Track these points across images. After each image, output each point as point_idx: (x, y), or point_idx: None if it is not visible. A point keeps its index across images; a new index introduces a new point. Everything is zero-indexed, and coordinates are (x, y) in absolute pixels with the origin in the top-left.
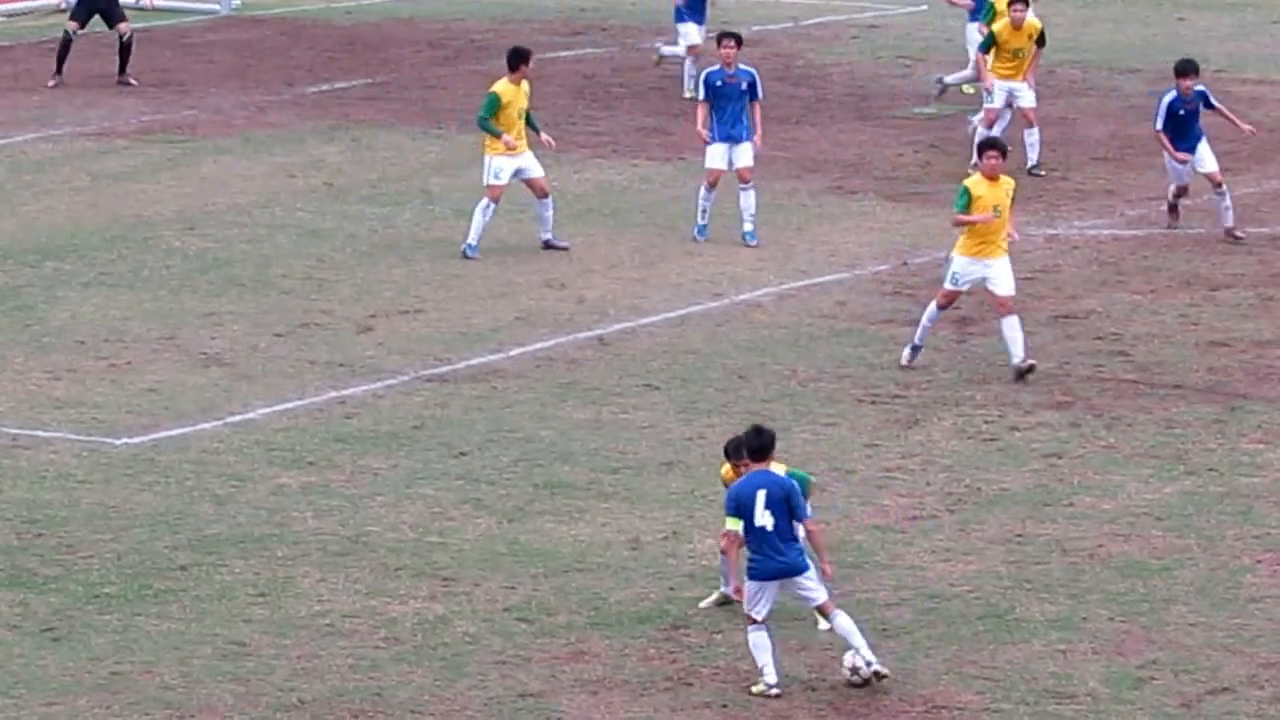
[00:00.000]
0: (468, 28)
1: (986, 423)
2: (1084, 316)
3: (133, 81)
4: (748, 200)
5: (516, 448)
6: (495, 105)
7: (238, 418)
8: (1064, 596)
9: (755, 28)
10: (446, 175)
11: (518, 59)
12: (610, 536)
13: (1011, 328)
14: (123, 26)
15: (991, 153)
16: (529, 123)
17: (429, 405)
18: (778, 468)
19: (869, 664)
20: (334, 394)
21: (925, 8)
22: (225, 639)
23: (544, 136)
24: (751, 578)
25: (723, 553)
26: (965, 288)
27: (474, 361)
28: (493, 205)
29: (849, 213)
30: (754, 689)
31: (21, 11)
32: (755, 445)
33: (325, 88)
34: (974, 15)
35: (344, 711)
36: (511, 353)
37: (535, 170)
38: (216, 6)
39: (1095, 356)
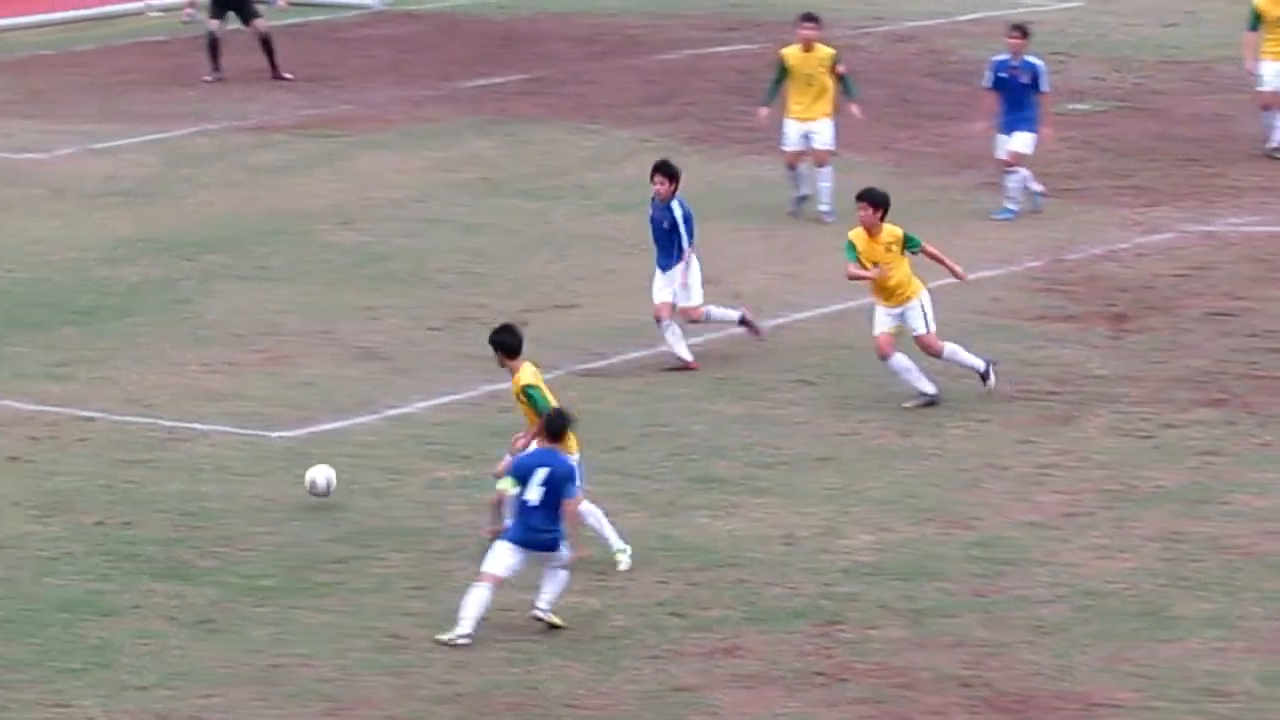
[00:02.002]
0: (622, 23)
1: (1142, 420)
2: (1239, 314)
3: (288, 76)
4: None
5: (670, 442)
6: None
7: (394, 411)
8: (1220, 594)
9: (908, 23)
10: (601, 170)
11: None
12: (764, 531)
13: (951, 357)
14: (258, 23)
15: (859, 205)
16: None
17: (584, 400)
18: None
19: (544, 610)
20: (489, 388)
21: (1080, 3)
22: (382, 632)
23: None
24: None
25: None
26: (893, 330)
27: (628, 356)
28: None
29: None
30: (441, 636)
31: (176, 6)
32: (554, 428)
33: (481, 82)
34: None
35: (500, 705)
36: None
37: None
38: (372, 1)
39: (1250, 354)
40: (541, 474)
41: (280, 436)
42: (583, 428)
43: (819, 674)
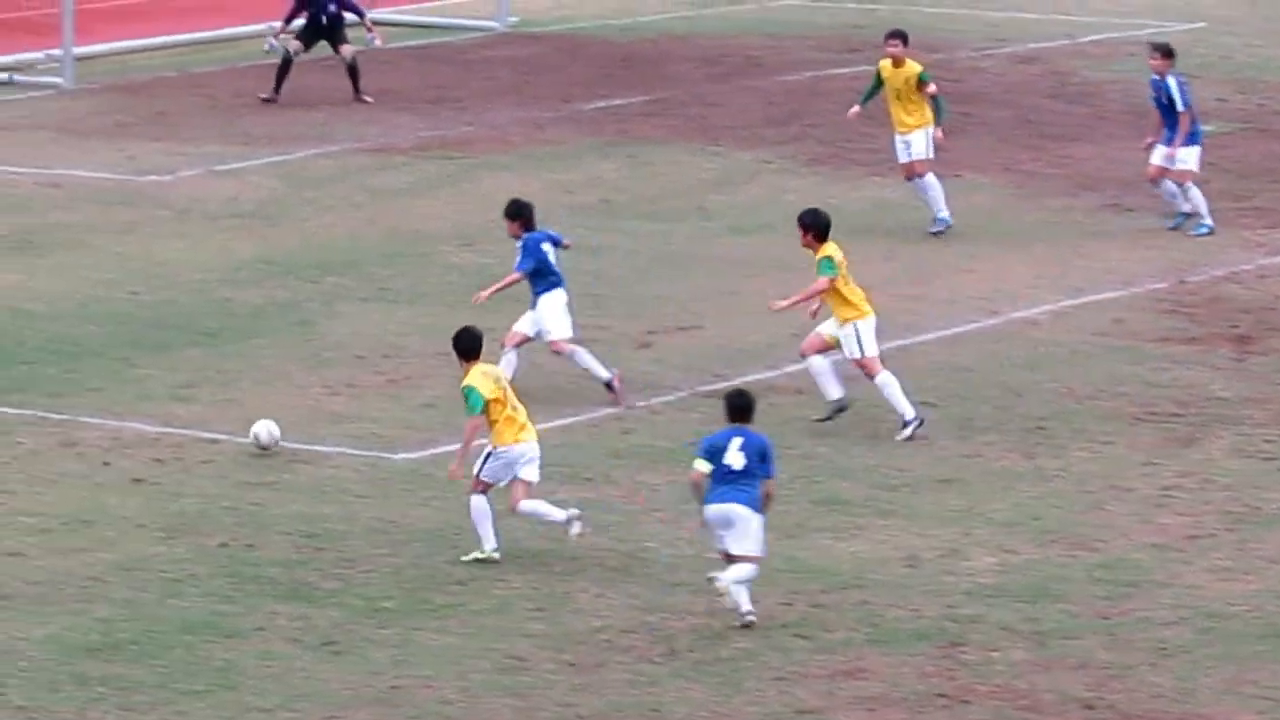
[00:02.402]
0: (744, 44)
1: (1265, 442)
2: None
3: (368, 99)
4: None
5: (794, 464)
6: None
7: None
8: None
9: (1031, 45)
10: (724, 192)
11: None
12: (887, 553)
13: (881, 387)
14: (345, 49)
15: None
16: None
17: (706, 421)
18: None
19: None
20: (611, 410)
21: (1203, 24)
22: (504, 653)
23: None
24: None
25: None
26: (828, 337)
27: (750, 378)
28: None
29: (1126, 230)
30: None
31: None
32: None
33: (602, 104)
34: None
35: None
36: (788, 369)
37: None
38: (494, 23)
39: None
40: (738, 441)
41: (402, 458)
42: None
43: (941, 696)
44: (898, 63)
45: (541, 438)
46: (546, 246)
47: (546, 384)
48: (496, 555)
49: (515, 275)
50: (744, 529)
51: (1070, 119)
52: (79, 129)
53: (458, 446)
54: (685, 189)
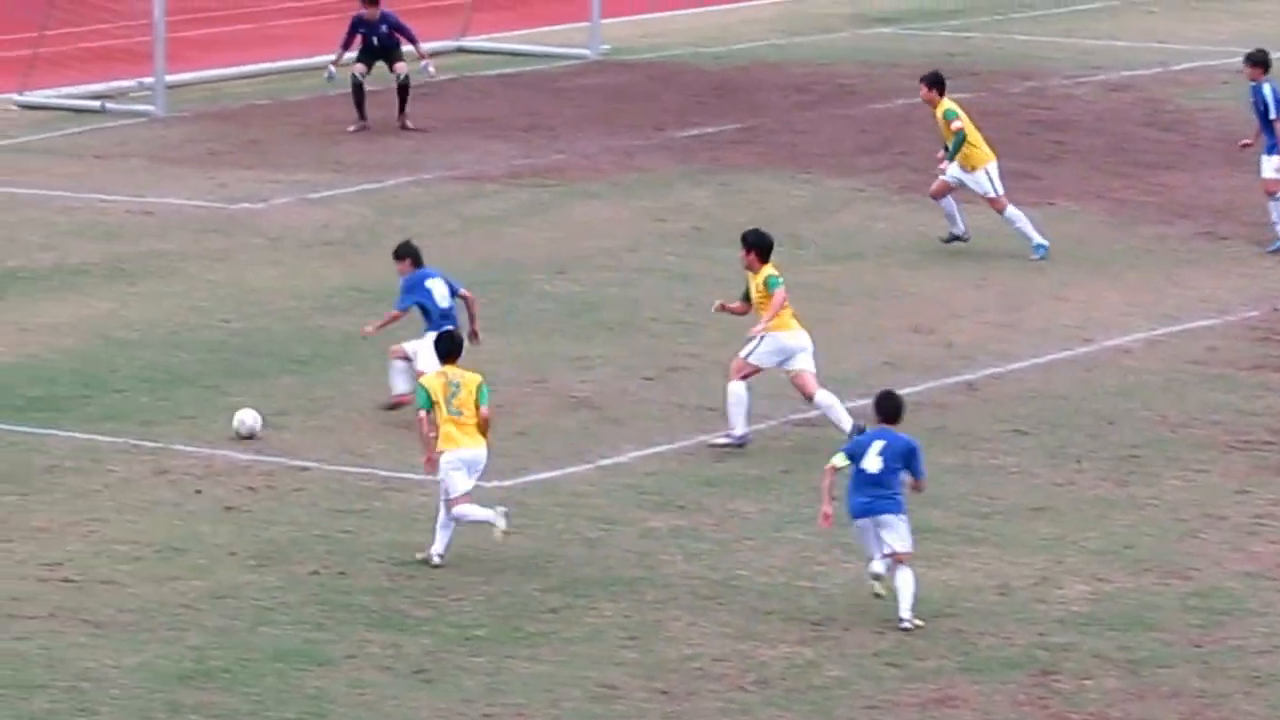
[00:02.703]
0: (835, 72)
1: None
2: None
3: (410, 125)
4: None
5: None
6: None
7: (607, 461)
8: None
9: (1124, 72)
10: (815, 219)
11: None
12: (979, 581)
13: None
14: (399, 67)
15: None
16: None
17: (798, 449)
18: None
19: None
20: (703, 437)
21: None
22: (596, 682)
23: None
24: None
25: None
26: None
27: (844, 405)
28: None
29: (1219, 258)
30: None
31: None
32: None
33: (694, 132)
34: None
35: None
36: None
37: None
38: (586, 51)
39: None
40: (879, 445)
41: (495, 486)
42: (798, 476)
43: None
44: (931, 105)
45: (633, 465)
46: (432, 284)
47: (638, 413)
48: (437, 561)
49: (393, 313)
50: (892, 530)
51: (1163, 147)
52: (171, 157)
53: (550, 474)
54: (776, 217)
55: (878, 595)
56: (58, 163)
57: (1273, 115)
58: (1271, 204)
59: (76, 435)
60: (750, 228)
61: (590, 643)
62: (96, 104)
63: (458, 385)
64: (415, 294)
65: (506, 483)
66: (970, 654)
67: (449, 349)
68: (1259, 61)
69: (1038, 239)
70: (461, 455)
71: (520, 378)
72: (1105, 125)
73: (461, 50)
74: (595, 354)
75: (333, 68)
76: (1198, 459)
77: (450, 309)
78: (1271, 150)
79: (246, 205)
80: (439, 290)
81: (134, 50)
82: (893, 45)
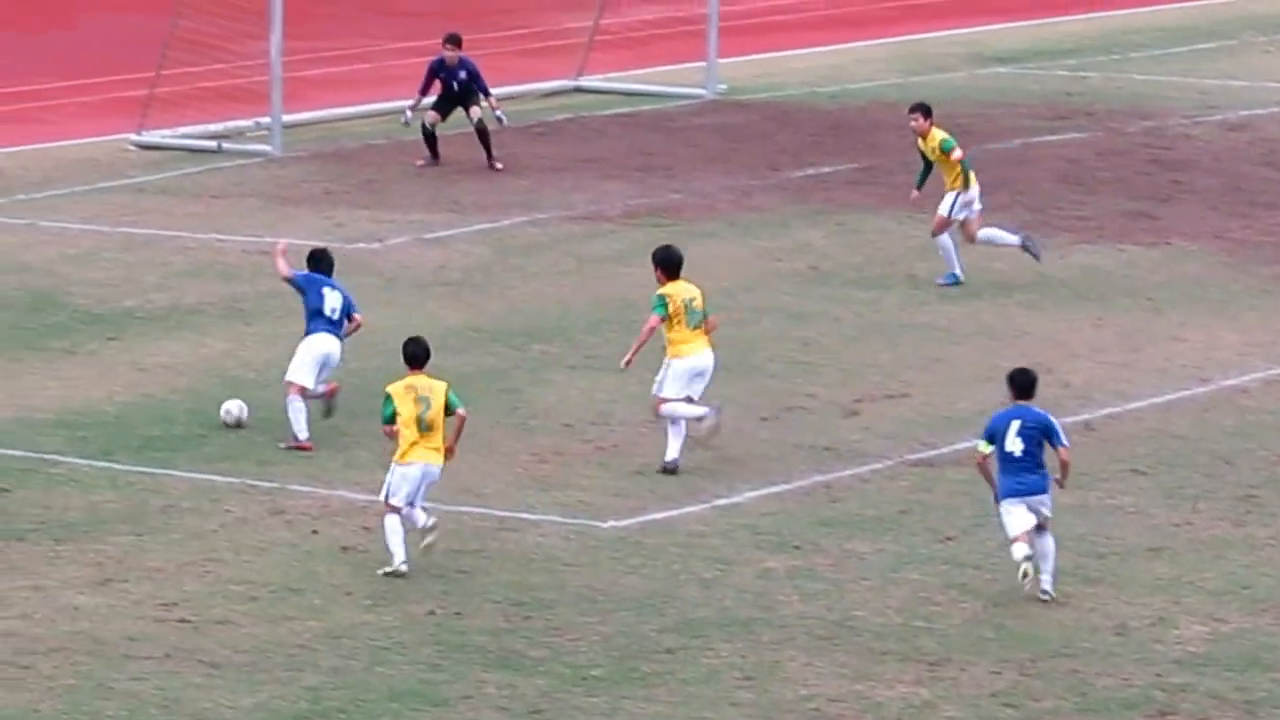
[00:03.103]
0: (952, 112)
1: None
2: None
3: (498, 166)
4: None
5: (1001, 533)
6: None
7: (724, 501)
8: None
9: (1242, 112)
10: (931, 260)
11: None
12: (1096, 621)
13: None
14: (475, 111)
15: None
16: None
17: (914, 490)
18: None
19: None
20: (819, 478)
21: None
22: None
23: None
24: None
25: None
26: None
27: (959, 446)
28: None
29: None
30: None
31: (504, 95)
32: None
33: (810, 172)
34: None
35: None
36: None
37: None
38: (702, 91)
39: None
40: (1016, 425)
41: (610, 526)
42: (914, 517)
43: None
44: (922, 135)
45: (749, 506)
46: (328, 292)
47: (754, 453)
48: (404, 569)
49: (357, 319)
50: (1044, 505)
51: None
52: (288, 196)
53: (667, 514)
54: (893, 256)
55: (1026, 575)
56: (175, 203)
57: None
58: None
59: (193, 475)
60: (660, 245)
61: (706, 683)
62: (213, 144)
63: (428, 401)
64: (311, 290)
65: (623, 523)
66: (1087, 694)
67: (415, 354)
68: None
69: (955, 270)
70: (409, 473)
71: (636, 418)
72: (1223, 165)
73: (579, 90)
74: (712, 394)
75: (409, 112)
76: None
77: (337, 322)
78: None
79: (363, 245)
80: (335, 304)
81: (251, 90)
82: (1010, 85)
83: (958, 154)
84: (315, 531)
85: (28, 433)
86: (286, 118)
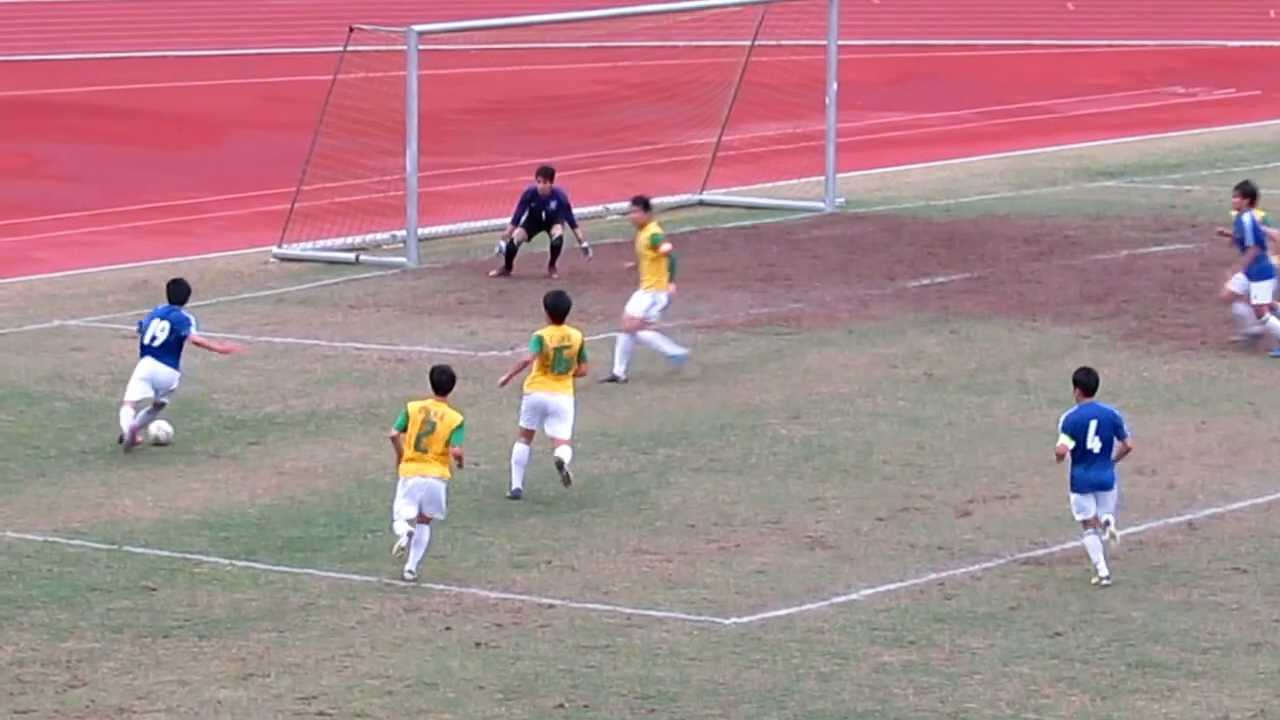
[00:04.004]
0: (1061, 224)
1: None
2: None
3: (555, 274)
4: None
5: (1109, 628)
6: None
7: (841, 598)
8: None
9: None
10: (1041, 365)
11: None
12: (1200, 714)
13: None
14: (555, 229)
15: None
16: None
17: (1025, 587)
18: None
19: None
20: (934, 575)
21: None
22: None
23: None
24: None
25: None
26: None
27: (1068, 545)
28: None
29: None
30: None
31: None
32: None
33: (925, 281)
34: None
35: None
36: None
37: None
38: (821, 204)
39: None
40: (1094, 424)
41: (733, 622)
42: (1024, 612)
43: None
44: (640, 225)
45: (866, 602)
46: (155, 321)
47: (871, 551)
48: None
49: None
50: (1110, 497)
51: None
52: (422, 306)
53: (787, 611)
54: (1004, 362)
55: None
56: (314, 313)
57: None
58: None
59: (331, 574)
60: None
61: None
62: (351, 256)
63: (433, 426)
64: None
65: (744, 619)
66: None
67: (439, 381)
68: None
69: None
70: (412, 484)
71: (757, 518)
72: None
73: (702, 203)
74: (830, 495)
75: (502, 242)
76: None
77: (157, 345)
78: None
79: (494, 353)
80: (154, 327)
81: (387, 204)
82: (1116, 198)
83: (665, 248)
84: (449, 628)
85: (173, 533)
86: (421, 231)
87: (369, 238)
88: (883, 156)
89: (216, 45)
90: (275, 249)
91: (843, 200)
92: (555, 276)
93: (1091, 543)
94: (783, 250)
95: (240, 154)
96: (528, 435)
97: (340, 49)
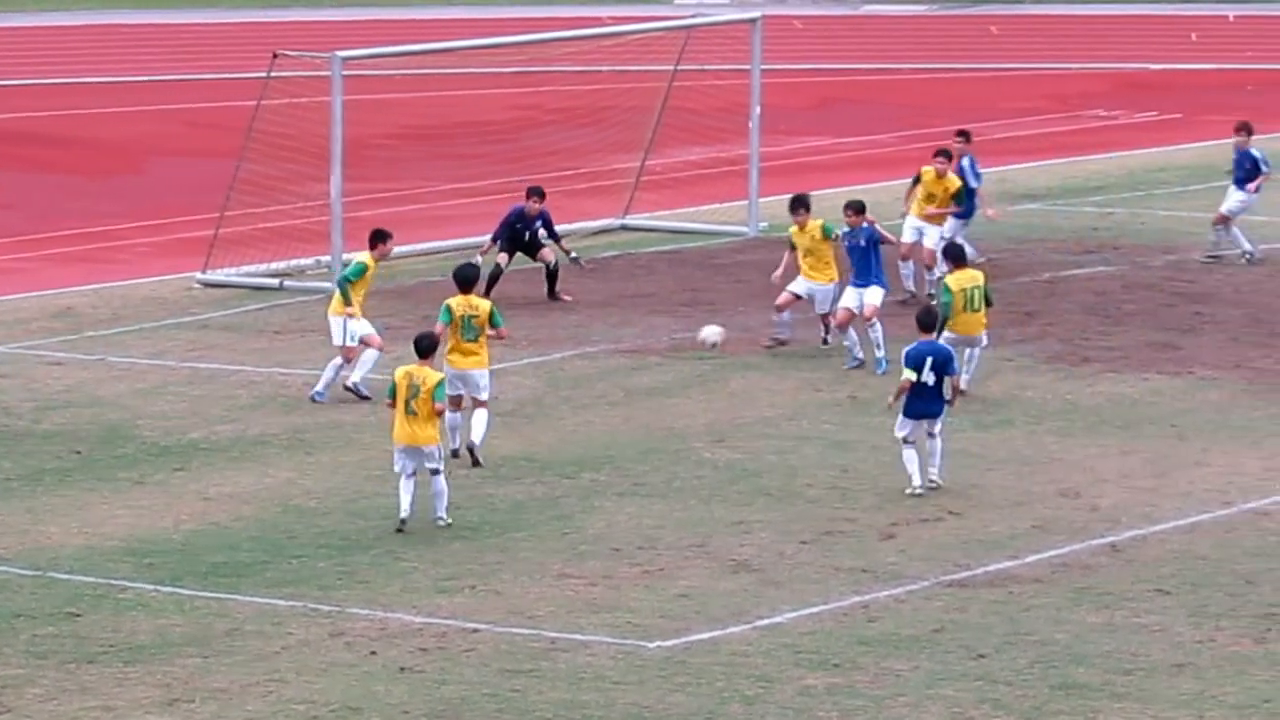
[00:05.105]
0: (985, 248)
1: None
2: None
3: (566, 298)
4: None
5: (1033, 650)
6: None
7: (766, 621)
8: None
9: (1263, 246)
10: (965, 388)
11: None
12: None
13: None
14: (546, 254)
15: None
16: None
17: (949, 609)
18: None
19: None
20: (858, 598)
21: None
22: None
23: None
24: None
25: None
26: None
27: (992, 568)
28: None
29: None
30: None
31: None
32: (423, 346)
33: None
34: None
35: None
36: (1028, 559)
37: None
38: (745, 229)
39: None
40: (929, 360)
41: (657, 646)
42: (949, 635)
43: None
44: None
45: (790, 626)
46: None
47: (795, 575)
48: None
49: None
50: (937, 424)
51: None
52: None
53: (711, 634)
54: None
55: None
56: (239, 338)
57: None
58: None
59: (257, 599)
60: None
61: None
62: (275, 281)
63: (418, 388)
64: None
65: (669, 643)
66: None
67: (423, 347)
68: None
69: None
70: (406, 450)
71: (682, 542)
72: (1244, 297)
73: (625, 228)
74: (754, 518)
75: (480, 257)
76: None
77: None
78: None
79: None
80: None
81: (311, 230)
82: (1039, 221)
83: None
84: (374, 653)
85: (98, 559)
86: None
87: (293, 263)
88: (806, 181)
89: (140, 71)
90: (199, 275)
91: (766, 224)
92: (567, 299)
93: (909, 455)
94: (706, 275)
95: (164, 180)
96: (455, 402)
97: (265, 75)
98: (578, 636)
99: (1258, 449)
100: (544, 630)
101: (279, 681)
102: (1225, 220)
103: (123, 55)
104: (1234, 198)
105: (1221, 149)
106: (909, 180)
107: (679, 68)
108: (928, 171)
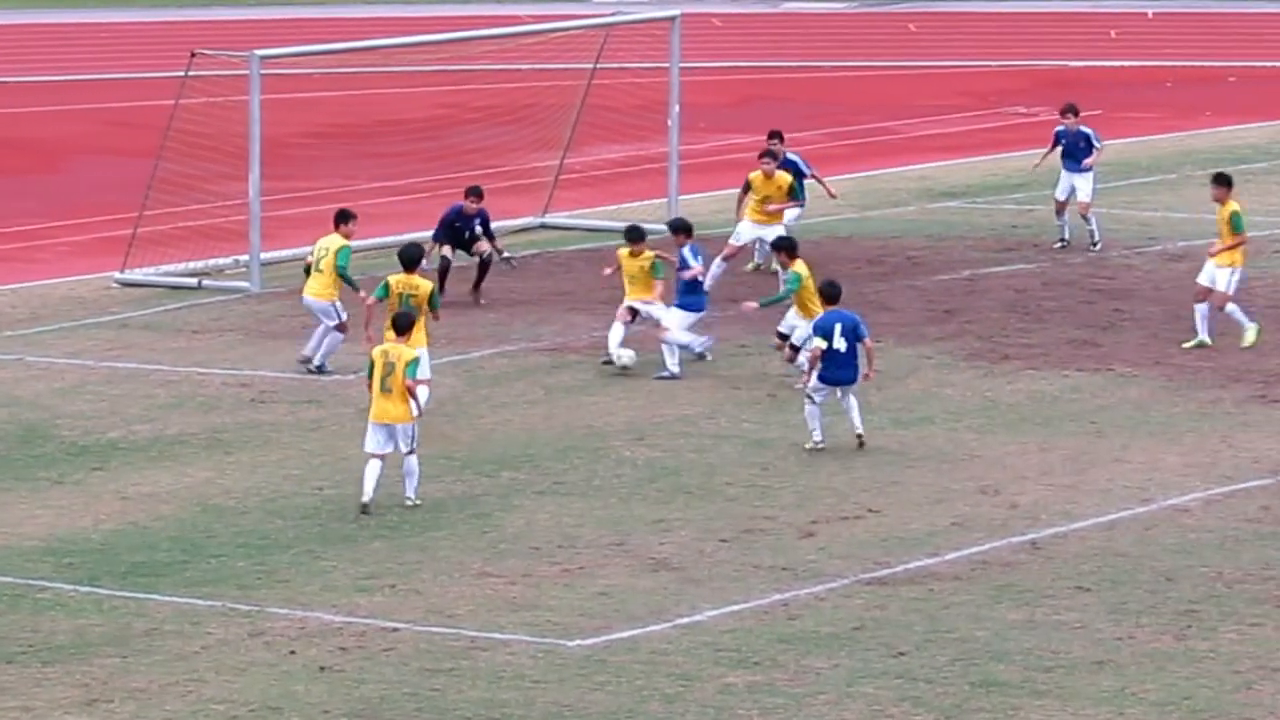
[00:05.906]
0: (904, 245)
1: None
2: None
3: (483, 301)
4: None
5: (953, 648)
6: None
7: (686, 620)
8: None
9: (1181, 243)
10: (884, 387)
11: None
12: None
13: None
14: (481, 246)
15: None
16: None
17: (869, 607)
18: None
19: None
20: (778, 596)
21: None
22: None
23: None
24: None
25: None
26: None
27: (911, 565)
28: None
29: (1272, 420)
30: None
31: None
32: (400, 324)
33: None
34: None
35: None
36: (948, 557)
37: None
38: (663, 227)
39: None
40: (839, 327)
41: (577, 645)
42: (869, 633)
43: None
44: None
45: (711, 624)
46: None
47: (715, 573)
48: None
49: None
50: (851, 391)
51: (1219, 315)
52: (266, 330)
53: (631, 633)
54: None
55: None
56: (157, 338)
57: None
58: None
59: (175, 599)
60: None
61: None
62: (194, 281)
63: (393, 365)
64: None
65: (589, 641)
66: None
67: (401, 325)
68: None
69: None
70: (379, 425)
71: (601, 540)
72: (1163, 294)
73: (545, 226)
74: (674, 517)
75: (425, 262)
76: (1253, 613)
77: None
78: None
79: (338, 377)
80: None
81: (230, 229)
82: (959, 218)
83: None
84: (293, 652)
85: (16, 559)
86: (264, 255)
87: (212, 263)
88: (725, 179)
89: (56, 70)
90: (118, 274)
91: None
92: (483, 303)
93: (811, 410)
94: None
95: (82, 179)
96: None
97: (182, 74)
98: (497, 635)
99: (1177, 445)
100: (464, 629)
101: (198, 681)
102: (1086, 207)
103: (41, 55)
104: (1081, 183)
105: (1144, 145)
106: (739, 189)
107: (599, 65)
108: (756, 176)
